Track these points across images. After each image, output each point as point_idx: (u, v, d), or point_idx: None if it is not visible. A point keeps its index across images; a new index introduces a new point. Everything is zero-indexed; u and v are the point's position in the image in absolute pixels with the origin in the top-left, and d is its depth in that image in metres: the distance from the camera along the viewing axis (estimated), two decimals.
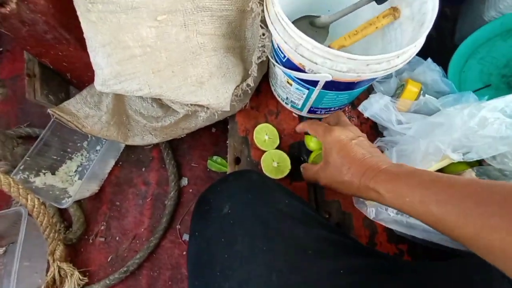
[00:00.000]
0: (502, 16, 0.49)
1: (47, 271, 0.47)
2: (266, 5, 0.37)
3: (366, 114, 0.48)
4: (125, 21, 0.35)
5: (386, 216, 0.40)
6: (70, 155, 0.62)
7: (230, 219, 0.32)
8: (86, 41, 0.34)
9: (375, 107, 0.47)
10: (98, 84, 0.36)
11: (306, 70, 0.37)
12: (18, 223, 0.48)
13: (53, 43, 0.39)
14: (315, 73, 0.36)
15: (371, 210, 0.41)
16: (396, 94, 0.51)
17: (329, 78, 0.35)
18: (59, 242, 0.48)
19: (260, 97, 0.56)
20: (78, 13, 0.32)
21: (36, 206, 0.43)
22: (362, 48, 0.52)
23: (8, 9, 0.30)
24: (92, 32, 0.33)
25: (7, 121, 0.67)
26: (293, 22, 0.50)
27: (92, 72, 0.35)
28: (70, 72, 0.48)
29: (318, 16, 0.49)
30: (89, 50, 0.34)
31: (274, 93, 0.55)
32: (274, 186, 0.38)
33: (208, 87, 0.38)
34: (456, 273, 0.30)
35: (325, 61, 0.33)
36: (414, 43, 0.33)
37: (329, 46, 0.47)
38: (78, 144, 0.64)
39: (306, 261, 0.28)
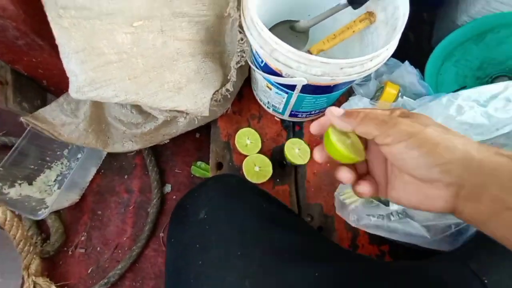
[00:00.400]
0: (472, 20, 0.51)
1: (22, 287, 0.45)
2: (242, 11, 0.37)
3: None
4: (100, 27, 0.34)
5: (368, 221, 0.41)
6: (49, 164, 0.60)
7: (206, 224, 0.32)
8: (59, 47, 0.33)
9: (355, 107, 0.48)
10: (72, 91, 0.35)
11: (283, 75, 0.38)
12: None
13: (25, 49, 0.38)
14: (291, 77, 0.36)
15: (352, 216, 0.41)
16: (376, 96, 0.52)
17: (305, 82, 0.35)
18: (34, 256, 0.46)
19: (242, 102, 0.56)
20: (49, 18, 0.31)
21: (8, 219, 0.41)
22: (342, 51, 0.53)
23: None
24: (65, 38, 0.33)
25: None
26: (273, 27, 0.51)
27: (64, 79, 0.35)
28: (46, 79, 0.46)
29: (298, 21, 0.50)
30: (61, 56, 0.34)
31: (256, 97, 0.55)
32: (252, 190, 0.38)
33: (185, 93, 0.38)
34: (432, 275, 0.31)
35: (299, 65, 0.33)
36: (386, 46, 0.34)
37: (308, 50, 0.48)
38: (58, 153, 0.62)
39: (281, 266, 0.28)
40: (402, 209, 0.41)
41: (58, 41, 0.33)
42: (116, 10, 0.35)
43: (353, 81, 0.40)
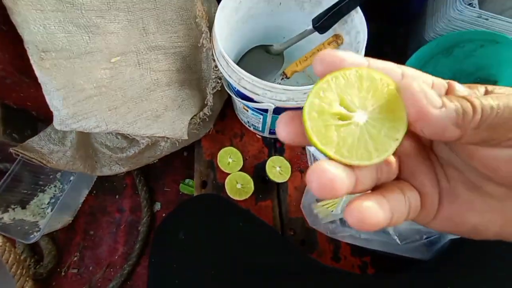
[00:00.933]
0: (438, 37, 0.53)
1: None
2: (212, 43, 0.40)
3: None
4: (80, 65, 0.37)
5: (341, 230, 0.42)
6: (42, 187, 0.63)
7: (184, 245, 0.34)
8: (42, 85, 0.36)
9: None
10: (56, 124, 0.38)
11: (254, 99, 0.40)
12: None
13: (13, 86, 0.41)
14: (260, 102, 0.39)
15: (326, 227, 0.43)
16: None
17: (272, 107, 0.38)
18: (27, 278, 0.48)
19: (225, 121, 0.58)
20: (32, 61, 0.34)
21: (0, 244, 0.44)
22: None
23: None
24: (47, 78, 0.35)
25: None
26: (249, 51, 0.54)
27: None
28: (35, 110, 0.49)
29: (272, 45, 0.52)
30: (44, 93, 0.36)
31: (238, 116, 0.58)
32: (232, 210, 0.40)
33: (163, 120, 0.41)
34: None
35: (265, 92, 0.36)
36: None
37: (283, 72, 0.50)
38: (51, 176, 0.64)
39: (256, 285, 0.30)
40: None
41: (41, 80, 0.36)
42: (94, 49, 0.38)
43: None
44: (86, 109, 0.38)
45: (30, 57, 0.34)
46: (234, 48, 0.52)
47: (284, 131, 0.15)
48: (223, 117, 0.59)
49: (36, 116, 0.51)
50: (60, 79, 0.36)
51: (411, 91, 0.12)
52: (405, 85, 0.13)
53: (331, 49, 0.14)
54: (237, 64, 0.52)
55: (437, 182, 0.16)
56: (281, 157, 0.54)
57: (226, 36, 0.46)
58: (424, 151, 0.16)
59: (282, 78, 0.50)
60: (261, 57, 0.54)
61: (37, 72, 0.35)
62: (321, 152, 0.14)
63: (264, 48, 0.54)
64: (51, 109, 0.38)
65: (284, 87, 0.34)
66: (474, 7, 0.56)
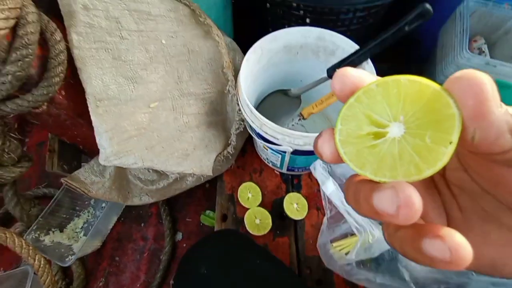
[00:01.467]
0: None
1: None
2: (237, 91, 0.46)
3: (338, 172, 0.53)
4: (125, 110, 0.44)
5: (357, 273, 0.42)
6: (78, 212, 0.69)
7: (205, 280, 0.36)
8: (94, 128, 0.42)
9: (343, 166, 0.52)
10: (101, 160, 0.44)
11: (274, 142, 0.44)
12: (23, 282, 0.53)
13: (70, 126, 0.48)
14: (279, 145, 0.42)
15: (342, 269, 0.43)
16: None
17: (291, 150, 0.41)
18: None
19: (245, 157, 0.63)
20: (90, 109, 0.41)
21: (41, 265, 0.48)
22: (336, 109, 0.60)
23: (40, 109, 0.40)
24: (99, 122, 0.42)
25: (29, 183, 0.76)
26: (270, 94, 0.59)
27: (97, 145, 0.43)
28: (82, 145, 0.57)
29: (290, 90, 0.57)
30: (96, 134, 0.43)
31: (257, 153, 0.62)
32: (250, 246, 0.42)
33: (192, 158, 0.45)
34: None
35: (284, 138, 0.39)
36: None
37: (300, 113, 0.54)
38: (86, 202, 0.71)
39: None
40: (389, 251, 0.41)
41: (94, 124, 0.42)
42: (137, 96, 0.45)
43: None
44: (127, 148, 0.44)
45: (88, 105, 0.41)
46: (256, 91, 0.58)
47: (327, 151, 0.14)
48: (243, 153, 0.63)
49: (82, 149, 0.58)
50: (109, 123, 0.42)
51: (474, 81, 0.10)
52: (464, 74, 0.10)
53: (347, 69, 0.14)
54: (259, 105, 0.57)
55: (443, 212, 0.15)
56: (298, 194, 0.56)
57: (249, 84, 0.51)
58: (428, 179, 0.14)
59: (300, 119, 0.54)
60: (280, 100, 0.59)
61: (92, 117, 0.42)
62: (363, 176, 0.13)
63: (283, 92, 0.59)
64: (99, 147, 0.44)
65: (302, 134, 0.37)
66: (484, 51, 0.58)
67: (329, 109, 0.54)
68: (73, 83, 0.42)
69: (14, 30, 0.33)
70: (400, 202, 0.11)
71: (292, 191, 0.57)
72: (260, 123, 0.41)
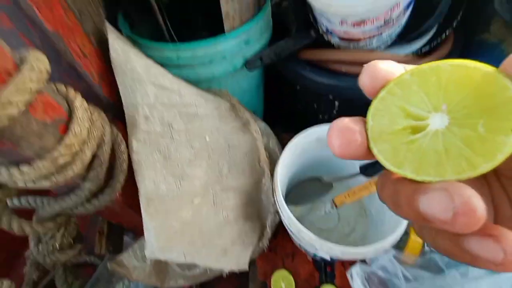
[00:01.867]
0: None
1: None
2: (274, 191, 0.49)
3: (373, 267, 0.51)
4: (171, 207, 0.48)
5: None
6: (113, 284, 0.71)
7: None
8: (144, 224, 0.47)
9: (380, 260, 0.51)
10: (147, 253, 0.47)
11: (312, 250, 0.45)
12: None
13: (120, 214, 0.53)
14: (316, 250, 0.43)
15: None
16: (399, 246, 0.54)
17: (328, 258, 0.42)
18: None
19: (277, 239, 0.63)
20: (142, 208, 0.46)
21: None
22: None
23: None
24: (148, 219, 0.46)
25: None
26: (303, 181, 0.62)
27: (139, 225, 0.46)
28: (126, 225, 0.61)
29: (321, 176, 0.60)
30: (144, 230, 0.47)
31: (289, 236, 0.62)
32: None
33: (230, 255, 0.47)
34: None
35: (322, 246, 0.41)
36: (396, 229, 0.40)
37: (333, 200, 0.56)
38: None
39: None
40: None
41: (144, 220, 0.47)
42: (183, 193, 0.49)
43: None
44: (171, 243, 0.47)
45: (141, 204, 0.46)
46: (288, 176, 0.61)
47: (336, 144, 0.13)
48: (275, 235, 0.64)
49: (125, 230, 0.63)
50: (157, 220, 0.46)
51: None
52: None
53: (377, 62, 0.12)
54: (291, 192, 0.59)
55: (491, 206, 0.14)
56: (332, 285, 0.55)
57: (285, 174, 0.55)
58: None
59: (332, 207, 0.55)
60: (312, 185, 0.61)
61: (143, 215, 0.46)
62: (402, 176, 0.11)
63: (315, 178, 0.62)
64: (146, 241, 0.47)
65: (342, 249, 0.38)
66: None
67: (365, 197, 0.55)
68: (130, 183, 0.48)
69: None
70: (457, 207, 0.09)
71: (326, 281, 0.56)
72: (297, 229, 0.42)
